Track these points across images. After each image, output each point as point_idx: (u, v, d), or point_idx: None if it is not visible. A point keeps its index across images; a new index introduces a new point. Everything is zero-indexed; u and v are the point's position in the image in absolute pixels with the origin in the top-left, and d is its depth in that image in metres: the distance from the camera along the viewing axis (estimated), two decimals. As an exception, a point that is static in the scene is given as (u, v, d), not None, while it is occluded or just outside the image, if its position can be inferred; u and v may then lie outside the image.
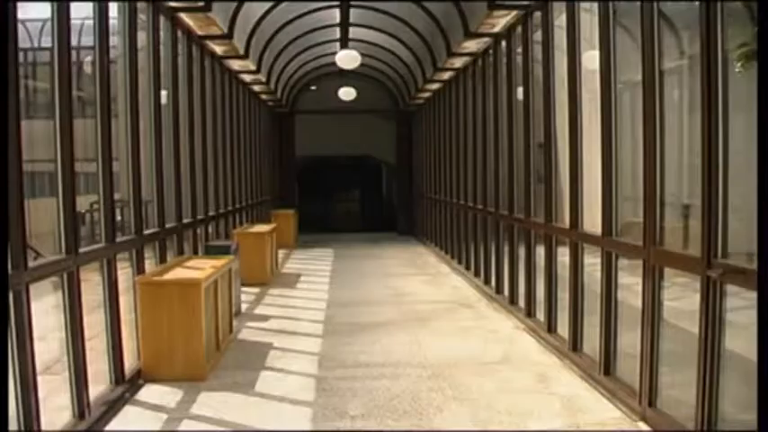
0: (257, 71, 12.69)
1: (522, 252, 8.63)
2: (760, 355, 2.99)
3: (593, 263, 6.32)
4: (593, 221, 6.27)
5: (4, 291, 3.96)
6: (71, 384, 4.99)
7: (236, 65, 11.97)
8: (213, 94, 10.92)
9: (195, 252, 9.22)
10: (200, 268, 6.96)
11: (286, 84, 17.32)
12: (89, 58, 5.96)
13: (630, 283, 5.61)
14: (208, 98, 10.52)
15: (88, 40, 5.71)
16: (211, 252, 8.87)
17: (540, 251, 7.72)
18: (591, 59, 6.20)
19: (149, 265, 7.07)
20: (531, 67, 8.26)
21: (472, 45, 10.56)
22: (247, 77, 13.34)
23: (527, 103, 8.35)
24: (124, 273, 6.45)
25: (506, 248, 9.38)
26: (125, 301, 6.25)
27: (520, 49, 8.59)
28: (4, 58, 3.99)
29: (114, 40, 6.33)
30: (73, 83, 5.05)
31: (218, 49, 10.59)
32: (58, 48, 4.88)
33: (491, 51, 10.30)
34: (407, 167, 20.26)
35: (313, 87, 19.79)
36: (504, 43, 9.47)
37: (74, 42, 5.01)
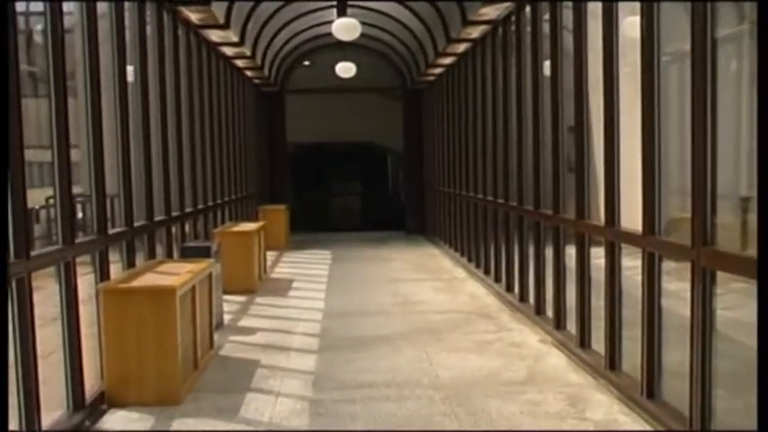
0: (241, 43, 12.68)
1: (549, 254, 8.59)
2: (760, 355, 3.19)
3: (632, 266, 6.25)
4: (632, 218, 6.21)
5: (4, 288, 4.43)
6: (19, 411, 4.92)
7: (215, 36, 11.97)
8: (189, 70, 10.92)
9: (169, 255, 9.23)
10: (174, 273, 6.96)
11: (275, 58, 17.29)
12: (39, 27, 5.91)
13: (678, 289, 5.53)
14: (182, 75, 10.52)
15: (38, 5, 5.65)
16: (188, 255, 8.89)
17: (571, 252, 7.67)
18: (631, 27, 6.12)
19: (115, 269, 7.05)
20: (560, 37, 8.20)
21: (491, 11, 10.55)
22: (229, 51, 13.34)
23: (555, 79, 8.31)
24: (86, 279, 6.39)
25: (531, 249, 9.33)
26: (86, 312, 6.20)
27: (547, 16, 8.55)
28: (4, 57, 4.34)
29: (70, 5, 6.28)
30: (20, 55, 4.98)
31: (194, 16, 10.58)
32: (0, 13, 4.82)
33: (513, 19, 10.28)
34: (417, 156, 20.23)
35: (306, 63, 19.78)
36: (528, 9, 9.45)
37: (20, 7, 4.94)
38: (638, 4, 5.81)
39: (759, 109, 3.34)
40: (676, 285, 5.63)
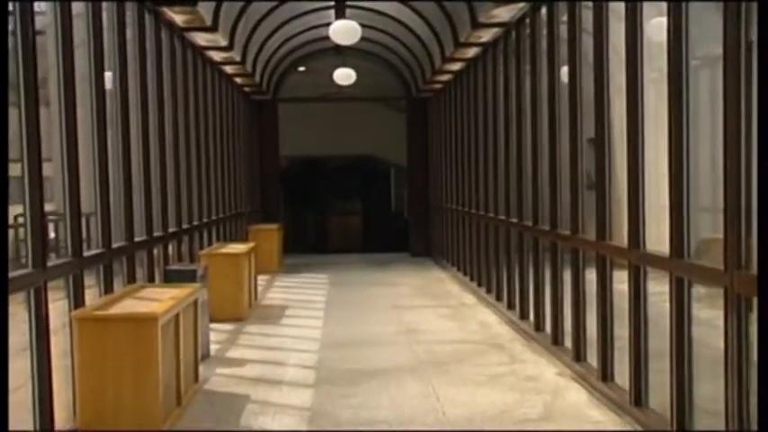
0: (229, 47, 12.71)
1: (567, 278, 8.55)
2: (760, 355, 3.31)
3: (660, 291, 6.21)
4: (659, 238, 6.17)
5: (4, 291, 4.69)
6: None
7: (201, 39, 11.99)
8: (173, 77, 10.94)
9: (151, 279, 9.21)
10: (156, 299, 6.94)
11: (267, 64, 17.32)
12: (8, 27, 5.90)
13: (710, 317, 5.49)
14: (166, 83, 10.54)
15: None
16: (172, 279, 8.89)
17: (592, 277, 7.64)
18: (658, 29, 6.11)
19: (91, 295, 7.02)
20: (579, 41, 8.20)
21: (503, 13, 10.58)
22: (217, 56, 13.36)
23: (574, 86, 8.30)
24: (58, 306, 6.36)
25: (548, 273, 9.30)
26: (59, 343, 6.15)
27: (565, 17, 8.56)
28: (4, 57, 4.51)
29: (41, 5, 6.28)
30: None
31: (179, 18, 10.60)
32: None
33: (527, 21, 10.30)
34: (422, 171, 20.23)
35: (301, 68, 19.81)
36: (544, 10, 9.45)
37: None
38: (664, 4, 5.79)
39: (759, 110, 3.41)
40: (708, 313, 5.58)
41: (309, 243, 22.33)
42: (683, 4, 5.64)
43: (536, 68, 10.01)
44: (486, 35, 12.00)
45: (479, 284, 13.60)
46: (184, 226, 11.31)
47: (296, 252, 20.46)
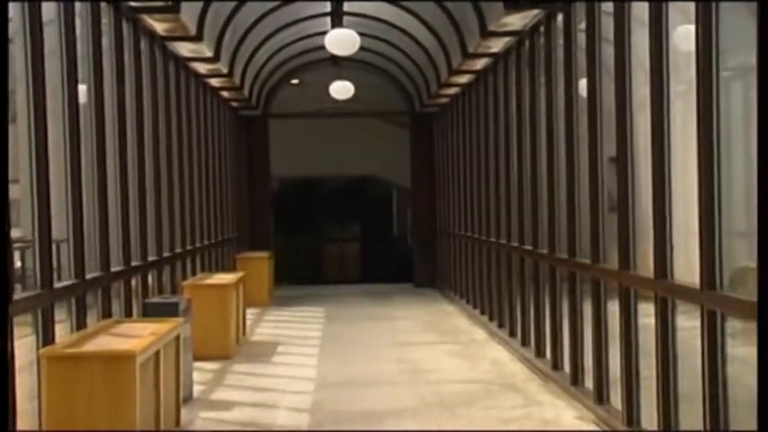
0: (215, 58, 12.75)
1: (587, 311, 8.51)
2: (760, 356, 3.54)
3: (690, 326, 6.18)
4: (689, 268, 6.14)
5: (5, 294, 4.94)
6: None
7: (185, 49, 12.03)
8: (153, 90, 10.97)
9: (128, 313, 9.20)
10: (134, 336, 6.93)
11: (256, 76, 17.36)
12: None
13: (747, 354, 5.45)
14: (146, 96, 10.55)
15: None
16: (151, 313, 8.85)
17: (614, 309, 7.60)
18: (685, 37, 6.11)
19: (62, 331, 6.99)
20: (599, 50, 8.22)
21: (516, 20, 10.61)
22: (201, 67, 13.41)
23: (594, 100, 8.30)
24: (25, 342, 6.33)
25: (566, 306, 9.27)
26: (25, 384, 6.12)
27: (583, 25, 8.57)
28: (4, 58, 4.70)
29: (11, 11, 6.29)
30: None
31: (160, 26, 10.64)
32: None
33: (542, 29, 10.32)
34: (428, 193, 20.25)
35: (294, 81, 19.87)
36: (560, 17, 9.47)
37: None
38: (692, 9, 5.79)
39: (759, 111, 3.53)
40: (745, 350, 5.55)
41: (303, 273, 22.29)
42: (713, 5, 5.62)
43: (552, 81, 10.01)
44: (497, 45, 12.02)
45: (491, 318, 13.56)
46: (166, 254, 11.29)
47: (288, 283, 20.43)
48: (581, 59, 8.85)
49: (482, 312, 14.29)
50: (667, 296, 6.49)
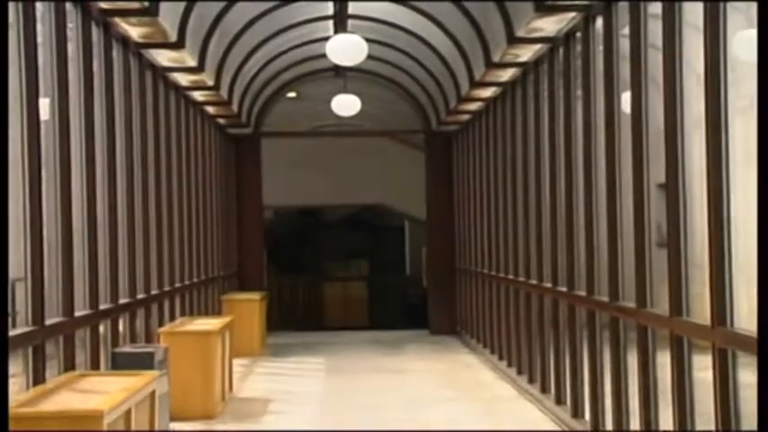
0: (200, 68, 12.78)
1: (633, 363, 8.47)
2: (760, 356, 3.83)
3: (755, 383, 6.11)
4: (753, 314, 6.08)
5: (4, 296, 5.33)
6: None
7: (164, 58, 12.07)
8: (127, 105, 10.98)
9: (95, 365, 9.13)
10: (101, 392, 6.88)
11: (247, 89, 17.40)
12: None
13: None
14: (118, 112, 10.57)
15: None
16: (122, 365, 8.82)
17: (665, 361, 7.54)
18: (747, 44, 6.08)
19: (16, 387, 6.97)
20: (644, 59, 8.21)
21: (548, 25, 10.63)
22: (183, 79, 13.45)
23: (639, 117, 8.28)
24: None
25: (607, 357, 9.21)
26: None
27: (627, 30, 8.56)
28: (4, 58, 5.01)
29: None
30: None
31: (135, 31, 10.69)
32: None
33: (579, 35, 10.31)
34: (446, 225, 20.23)
35: (291, 95, 19.90)
36: (599, 20, 9.48)
37: None
38: (755, 11, 5.77)
39: (759, 111, 3.71)
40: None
41: (301, 317, 22.30)
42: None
43: (590, 94, 10.00)
44: (526, 53, 12.03)
45: (519, 372, 13.49)
46: (140, 296, 11.26)
47: (283, 329, 20.40)
48: (624, 69, 8.83)
49: (509, 365, 14.22)
50: (727, 347, 6.43)
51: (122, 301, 10.46)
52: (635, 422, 8.49)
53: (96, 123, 9.69)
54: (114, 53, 10.53)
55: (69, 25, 8.90)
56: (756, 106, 3.63)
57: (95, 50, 9.81)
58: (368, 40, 13.74)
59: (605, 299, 9.31)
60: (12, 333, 6.93)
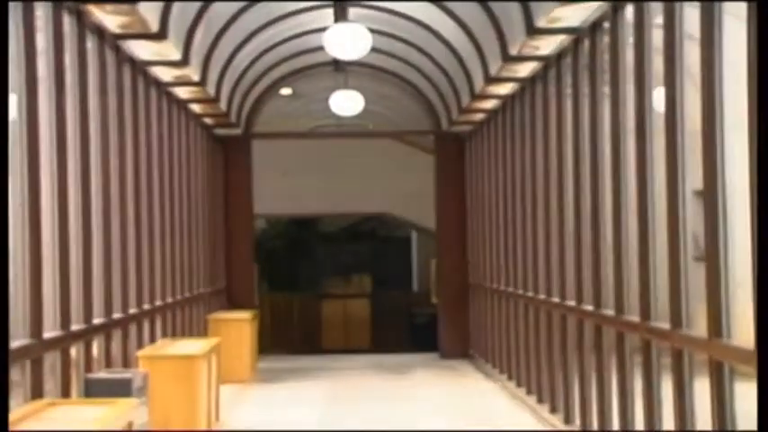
0: (184, 62, 12.78)
1: (667, 391, 8.45)
2: (760, 356, 4.28)
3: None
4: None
5: (4, 297, 5.67)
6: None
7: (144, 50, 12.08)
8: (102, 103, 10.97)
9: (66, 392, 9.10)
10: (72, 423, 6.86)
11: (236, 85, 17.40)
12: None
13: None
14: (92, 110, 10.57)
15: None
16: (96, 392, 8.81)
17: (704, 389, 7.51)
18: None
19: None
20: (680, 52, 8.20)
21: (572, 14, 10.67)
22: (166, 74, 13.46)
23: (673, 116, 8.27)
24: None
25: (638, 384, 9.20)
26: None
27: (660, 18, 8.55)
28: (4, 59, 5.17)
29: None
30: None
31: (112, 21, 10.72)
32: None
33: (606, 25, 10.30)
34: (458, 236, 20.22)
35: (285, 91, 19.89)
36: (629, 9, 9.47)
37: None
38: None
39: (759, 111, 3.30)
40: None
41: (296, 339, 22.26)
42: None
43: (618, 91, 9.99)
44: (548, 45, 12.02)
45: (540, 400, 13.47)
46: (116, 315, 11.24)
47: (276, 352, 20.38)
48: (657, 63, 8.83)
49: (528, 392, 14.21)
50: (773, 374, 6.40)
51: (97, 321, 10.43)
52: (669, 457, 8.48)
53: (68, 124, 9.68)
54: (89, 45, 10.52)
55: (38, 14, 8.89)
56: (757, 106, 3.64)
57: (67, 42, 9.81)
58: (372, 31, 13.73)
59: (636, 319, 9.29)
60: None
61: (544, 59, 12.70)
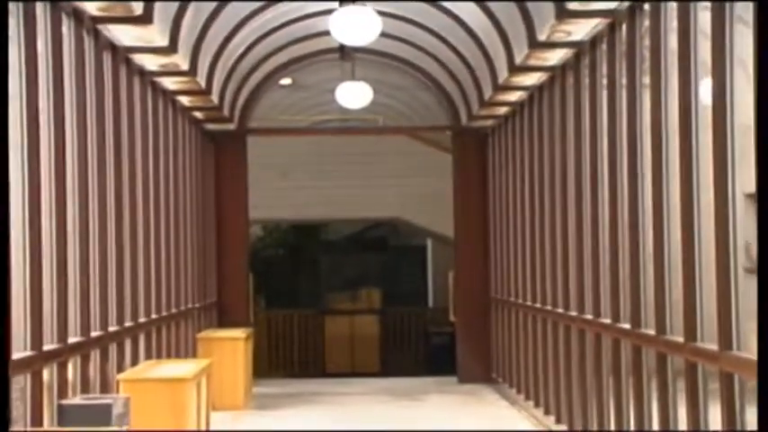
0: (171, 49, 12.81)
1: (715, 418, 8.44)
2: (760, 356, 4.52)
3: None
4: None
5: (4, 297, 6.18)
6: None
7: (126, 36, 12.11)
8: (79, 95, 10.99)
9: (37, 421, 9.12)
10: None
11: (230, 74, 17.41)
12: None
13: None
14: (68, 104, 10.59)
15: None
16: (72, 420, 8.83)
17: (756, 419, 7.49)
18: None
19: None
20: (730, 37, 8.18)
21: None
22: (151, 61, 13.50)
23: (723, 109, 8.25)
24: None
25: (683, 413, 9.20)
26: None
27: (708, 1, 8.53)
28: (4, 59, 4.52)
29: None
30: None
31: (91, 3, 10.76)
32: None
33: (647, 7, 10.34)
34: (479, 244, 20.19)
35: (285, 81, 19.89)
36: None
37: None
38: None
39: (758, 111, 3.31)
40: None
41: (296, 361, 22.25)
42: None
43: (660, 82, 9.99)
44: (581, 30, 12.02)
45: (570, 430, 13.46)
46: (94, 334, 11.25)
47: (274, 375, 20.39)
48: (704, 49, 8.81)
49: (557, 420, 14.22)
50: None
51: (72, 340, 10.44)
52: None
53: (42, 118, 9.68)
54: (64, 30, 10.52)
55: (7, -5, 8.91)
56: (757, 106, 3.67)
57: (40, 27, 9.81)
58: (382, 14, 13.72)
59: (679, 339, 9.28)
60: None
61: (576, 46, 12.68)
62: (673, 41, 9.58)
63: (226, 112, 18.28)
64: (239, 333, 17.89)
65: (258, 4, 15.05)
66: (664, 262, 9.88)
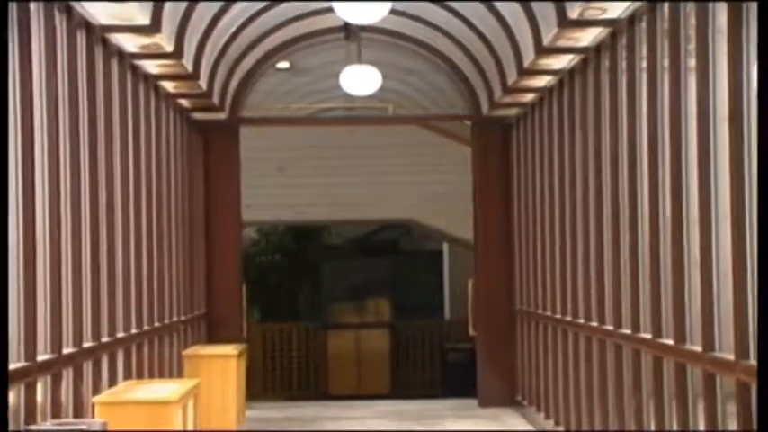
0: (154, 29, 12.83)
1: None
2: (760, 355, 4.79)
3: None
4: None
5: (4, 298, 6.50)
6: None
7: (103, 14, 12.19)
8: (50, 81, 11.02)
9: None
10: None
11: (220, 57, 17.43)
12: None
13: None
14: (37, 91, 10.62)
15: None
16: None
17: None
18: None
19: None
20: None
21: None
22: (131, 43, 13.55)
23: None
24: None
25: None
26: None
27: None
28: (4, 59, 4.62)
29: None
30: None
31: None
32: None
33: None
34: (502, 249, 20.20)
35: (282, 65, 19.90)
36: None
37: None
38: None
39: (759, 112, 3.36)
40: None
41: (295, 381, 22.28)
42: None
43: (708, 65, 10.00)
44: (616, 7, 12.06)
45: (606, 459, 13.48)
46: (67, 350, 11.27)
47: (270, 397, 20.41)
48: (753, 32, 8.80)
49: (591, 449, 14.21)
50: None
51: (42, 357, 10.46)
52: None
53: (12, 104, 9.68)
54: (32, 7, 10.53)
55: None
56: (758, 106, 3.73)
57: (11, 8, 9.80)
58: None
59: (729, 357, 9.28)
60: None
61: (612, 24, 12.67)
62: (722, 20, 9.57)
63: (215, 99, 18.31)
64: (231, 349, 17.91)
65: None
66: (711, 267, 9.88)
